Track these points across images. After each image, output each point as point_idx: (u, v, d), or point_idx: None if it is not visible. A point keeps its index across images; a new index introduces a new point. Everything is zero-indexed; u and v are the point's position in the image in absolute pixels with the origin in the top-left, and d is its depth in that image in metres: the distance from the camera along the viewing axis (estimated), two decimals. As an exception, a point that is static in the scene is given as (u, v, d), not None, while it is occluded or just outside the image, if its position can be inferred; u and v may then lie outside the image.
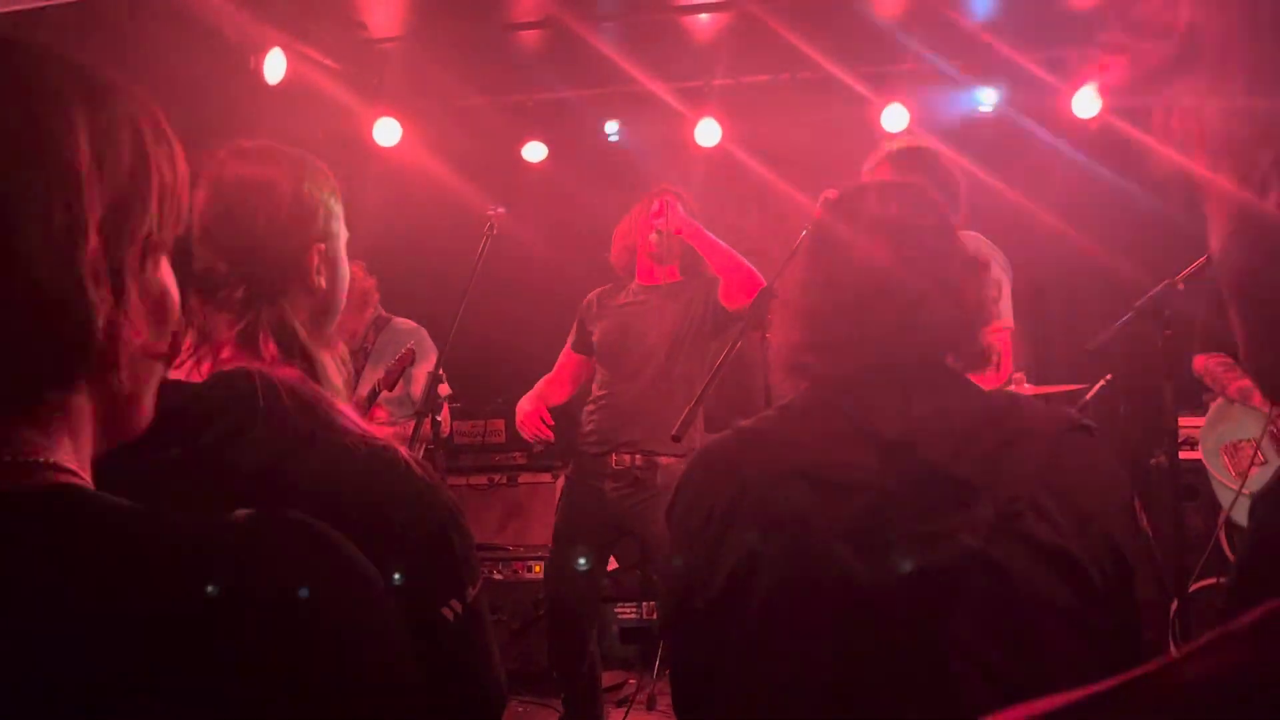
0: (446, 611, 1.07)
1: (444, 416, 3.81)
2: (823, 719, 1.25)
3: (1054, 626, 1.23)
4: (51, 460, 0.65)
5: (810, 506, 1.29)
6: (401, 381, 3.94)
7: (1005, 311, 3.13)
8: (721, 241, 3.52)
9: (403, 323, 4.23)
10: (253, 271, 1.20)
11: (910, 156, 3.00)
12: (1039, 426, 1.35)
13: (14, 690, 0.56)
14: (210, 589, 0.60)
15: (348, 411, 1.11)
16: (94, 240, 0.65)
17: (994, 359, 1.46)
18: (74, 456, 0.67)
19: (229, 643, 0.60)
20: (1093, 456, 1.35)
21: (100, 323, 0.65)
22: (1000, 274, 3.14)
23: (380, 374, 3.81)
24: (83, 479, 0.67)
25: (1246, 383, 3.64)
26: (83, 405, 0.68)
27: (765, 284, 2.83)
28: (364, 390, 3.69)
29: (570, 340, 3.81)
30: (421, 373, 3.93)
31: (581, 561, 3.46)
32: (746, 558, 1.31)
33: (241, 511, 0.66)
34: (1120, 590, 1.28)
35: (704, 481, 1.43)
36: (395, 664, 0.68)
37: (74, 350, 0.65)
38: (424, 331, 4.20)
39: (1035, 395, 3.15)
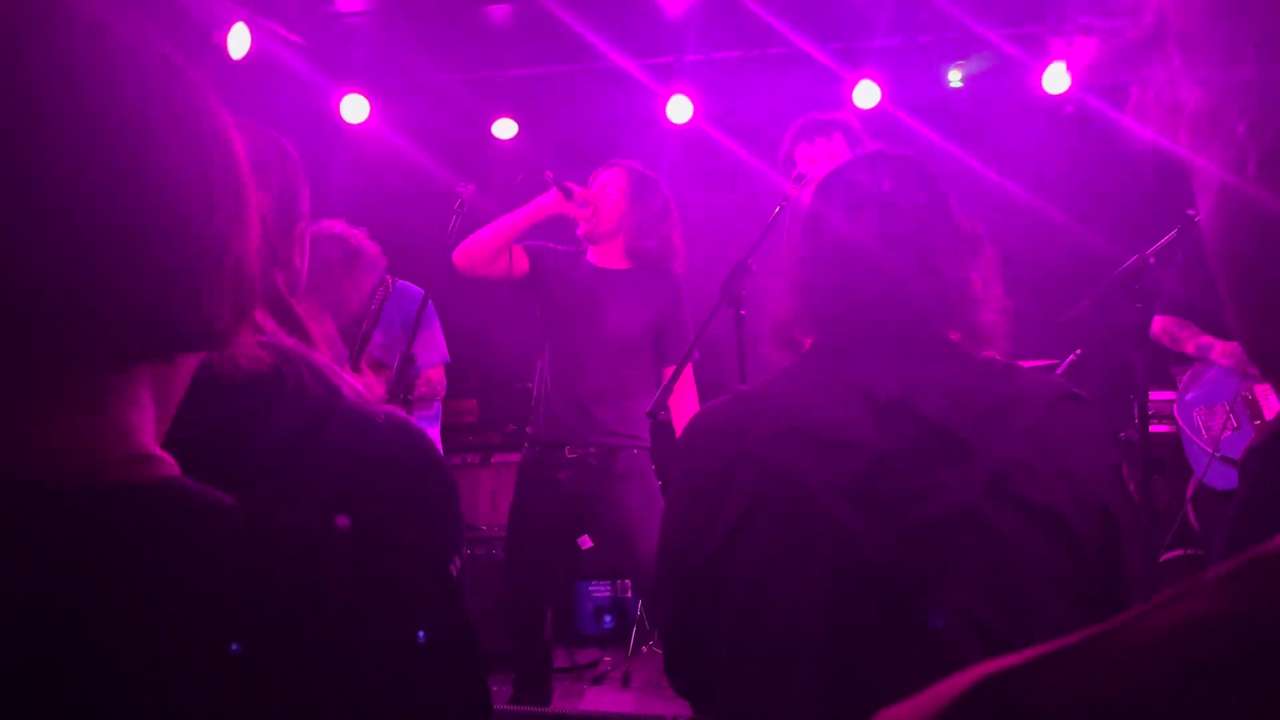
0: None
1: (424, 382, 3.78)
2: (814, 673, 1.27)
3: (1042, 585, 1.26)
4: (153, 452, 0.67)
5: (807, 464, 1.32)
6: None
7: None
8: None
9: (406, 286, 4.14)
10: None
11: (812, 127, 3.05)
12: (1032, 392, 1.38)
13: (128, 684, 0.57)
14: (317, 596, 0.63)
15: (351, 380, 1.12)
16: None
17: (994, 337, 1.46)
18: (154, 437, 0.69)
19: (329, 643, 0.62)
20: (1083, 422, 1.38)
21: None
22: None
23: (389, 340, 3.76)
24: (177, 470, 0.68)
25: (1205, 339, 3.68)
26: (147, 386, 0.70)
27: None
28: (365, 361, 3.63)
29: (526, 249, 3.57)
30: (433, 332, 3.92)
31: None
32: (744, 514, 1.34)
33: (344, 520, 0.68)
34: (1109, 551, 1.31)
35: (704, 442, 1.45)
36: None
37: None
38: (426, 295, 4.14)
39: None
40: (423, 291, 3.68)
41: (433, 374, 4.01)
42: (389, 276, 4.04)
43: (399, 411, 1.12)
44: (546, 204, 3.47)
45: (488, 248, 3.46)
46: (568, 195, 3.43)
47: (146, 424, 0.67)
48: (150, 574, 0.60)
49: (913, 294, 1.40)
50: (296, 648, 0.61)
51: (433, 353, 4.03)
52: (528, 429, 3.58)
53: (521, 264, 3.50)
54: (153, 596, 0.59)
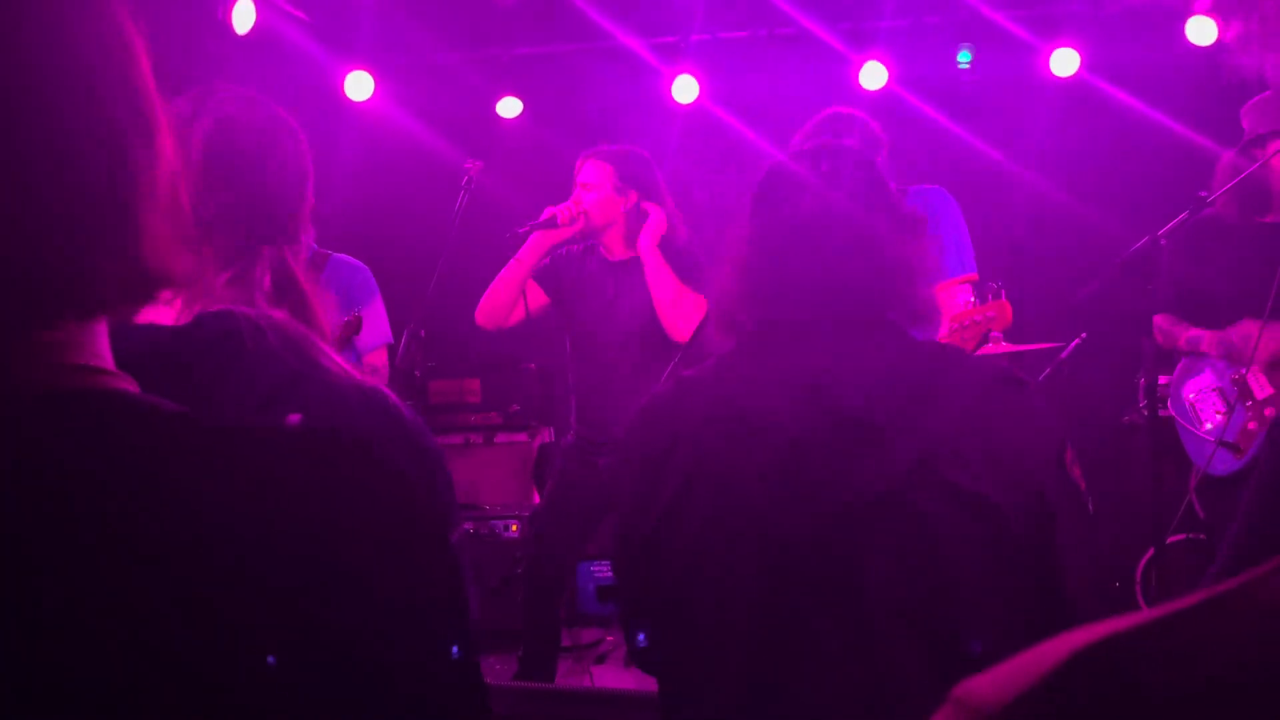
0: None
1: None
2: (742, 649, 1.32)
3: (969, 569, 1.29)
4: (102, 366, 0.63)
5: (731, 451, 1.36)
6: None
7: (951, 265, 3.14)
8: (665, 269, 3.36)
9: (343, 259, 3.92)
10: (255, 216, 1.21)
11: (833, 121, 3.04)
12: (965, 377, 1.40)
13: (70, 586, 0.54)
14: (269, 497, 0.59)
15: (334, 354, 1.10)
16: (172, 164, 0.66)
17: (933, 315, 1.49)
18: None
19: (284, 553, 0.59)
20: (1021, 407, 1.40)
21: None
22: (947, 228, 3.15)
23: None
24: (133, 385, 0.65)
25: (1194, 332, 3.66)
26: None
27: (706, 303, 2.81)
28: None
29: (537, 279, 3.60)
30: (374, 311, 3.70)
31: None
32: (677, 495, 1.39)
33: (294, 418, 0.65)
34: (1041, 536, 1.32)
35: (644, 429, 1.50)
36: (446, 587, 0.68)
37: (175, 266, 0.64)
38: (367, 270, 3.90)
39: (1009, 354, 3.14)
40: (363, 265, 3.57)
41: (374, 358, 3.61)
42: (322, 250, 3.85)
43: (379, 386, 1.11)
44: (537, 245, 3.50)
45: (504, 302, 3.55)
46: (553, 224, 3.44)
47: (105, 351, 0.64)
48: (97, 482, 0.57)
49: (850, 275, 1.42)
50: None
51: (374, 334, 3.62)
52: (573, 422, 3.62)
53: (539, 298, 3.57)
54: (106, 505, 0.56)
